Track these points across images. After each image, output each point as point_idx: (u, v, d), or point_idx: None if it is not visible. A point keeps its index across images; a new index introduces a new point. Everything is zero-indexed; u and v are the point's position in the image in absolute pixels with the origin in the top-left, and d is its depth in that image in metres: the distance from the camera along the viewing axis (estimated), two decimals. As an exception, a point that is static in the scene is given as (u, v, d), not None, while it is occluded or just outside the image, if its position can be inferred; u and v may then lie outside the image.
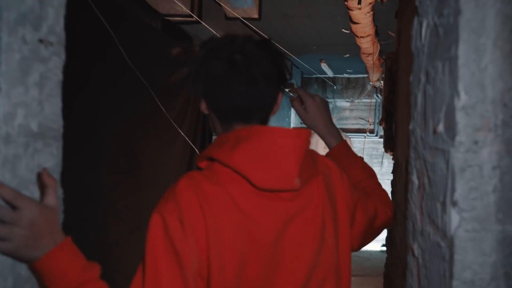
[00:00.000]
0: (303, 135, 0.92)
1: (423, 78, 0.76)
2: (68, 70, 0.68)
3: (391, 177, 8.18)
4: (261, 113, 0.96)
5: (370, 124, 7.92)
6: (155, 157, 2.92)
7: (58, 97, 0.66)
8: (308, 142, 0.92)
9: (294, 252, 0.89)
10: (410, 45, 0.80)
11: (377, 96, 8.35)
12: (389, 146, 2.88)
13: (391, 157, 8.32)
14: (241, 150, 0.86)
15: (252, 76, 0.90)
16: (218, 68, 0.90)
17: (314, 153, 1.01)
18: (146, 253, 0.85)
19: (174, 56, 3.05)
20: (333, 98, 9.14)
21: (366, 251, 7.67)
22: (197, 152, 3.43)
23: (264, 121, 0.97)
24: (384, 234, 7.02)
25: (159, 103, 2.55)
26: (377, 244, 8.13)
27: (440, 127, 0.63)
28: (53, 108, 0.64)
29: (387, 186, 6.73)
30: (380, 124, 3.21)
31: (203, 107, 0.96)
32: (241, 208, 0.84)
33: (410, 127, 0.77)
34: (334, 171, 1.05)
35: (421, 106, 0.75)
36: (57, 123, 0.66)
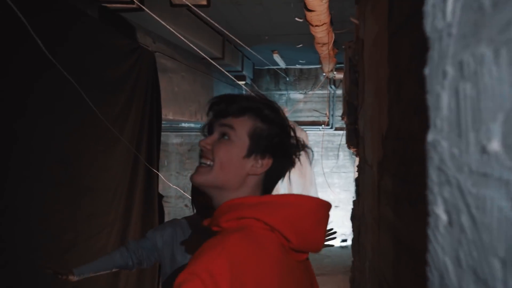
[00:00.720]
0: (327, 206, 1.06)
1: (451, 71, 0.53)
2: None
3: (347, 170, 8.27)
4: None
5: (328, 117, 7.87)
6: (94, 163, 2.63)
7: None
8: None
9: None
10: (416, 27, 0.60)
11: (331, 87, 8.30)
12: (352, 142, 2.74)
13: (349, 150, 8.28)
14: (282, 212, 0.97)
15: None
16: (291, 147, 1.07)
17: None
18: None
19: (118, 48, 2.77)
20: (286, 90, 9.02)
21: (325, 248, 7.64)
22: (142, 159, 3.15)
23: None
24: (341, 228, 7.00)
25: (90, 103, 2.27)
26: (335, 240, 8.13)
27: (495, 145, 0.42)
28: None
29: (343, 179, 6.75)
30: (342, 119, 3.07)
31: (260, 166, 1.03)
32: (283, 269, 0.95)
33: (429, 138, 0.56)
34: None
35: (450, 111, 0.53)
36: None
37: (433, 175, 0.55)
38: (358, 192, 2.71)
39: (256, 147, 1.03)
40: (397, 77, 1.23)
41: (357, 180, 2.76)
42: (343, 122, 8.70)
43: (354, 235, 2.86)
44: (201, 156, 1.04)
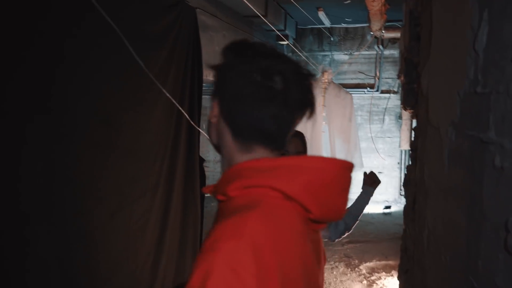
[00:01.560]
0: (351, 168, 0.92)
1: None
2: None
3: (392, 135, 8.00)
4: (283, 138, 0.93)
5: (378, 79, 7.58)
6: (135, 124, 2.57)
7: None
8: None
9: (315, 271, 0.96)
10: None
11: (378, 47, 7.96)
12: (409, 103, 2.56)
13: (394, 114, 8.03)
14: (302, 180, 0.84)
15: (288, 102, 0.88)
16: (253, 85, 0.87)
17: None
18: None
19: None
20: (330, 50, 8.73)
21: (368, 214, 7.53)
22: (187, 116, 3.09)
23: (283, 145, 0.94)
24: (385, 194, 6.84)
25: (136, 57, 2.19)
26: (378, 207, 7.99)
27: None
28: None
29: (387, 145, 6.50)
30: (399, 77, 2.88)
31: (214, 114, 0.91)
32: (301, 241, 0.87)
33: None
34: None
35: None
36: None
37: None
38: (414, 157, 2.56)
39: (212, 94, 0.93)
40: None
41: (414, 144, 2.60)
42: (389, 84, 8.38)
43: (407, 202, 2.72)
44: None
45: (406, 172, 2.96)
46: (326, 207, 0.88)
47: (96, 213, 2.27)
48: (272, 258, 0.77)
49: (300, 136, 2.04)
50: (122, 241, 2.54)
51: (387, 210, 7.73)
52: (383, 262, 5.08)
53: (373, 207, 7.96)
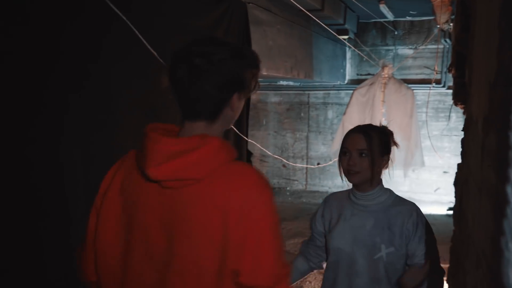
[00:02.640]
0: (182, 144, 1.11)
1: None
2: None
3: (459, 133, 7.66)
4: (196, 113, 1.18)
5: (436, 73, 7.26)
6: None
7: None
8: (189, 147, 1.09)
9: None
10: None
11: (445, 41, 7.60)
12: (459, 97, 2.45)
13: (462, 111, 7.75)
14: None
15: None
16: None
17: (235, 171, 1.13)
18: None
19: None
20: (394, 45, 8.47)
21: (430, 215, 7.24)
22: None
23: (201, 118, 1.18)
24: (450, 196, 6.56)
25: (152, 50, 2.25)
26: (442, 208, 7.65)
27: None
28: None
29: (454, 143, 6.23)
30: (449, 71, 2.76)
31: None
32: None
33: None
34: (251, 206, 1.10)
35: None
36: None
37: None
38: (463, 154, 2.44)
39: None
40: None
41: (462, 141, 2.48)
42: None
43: (456, 202, 2.60)
44: None
45: (456, 171, 2.83)
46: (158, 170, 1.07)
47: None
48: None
49: (362, 130, 1.83)
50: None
51: (451, 212, 7.39)
52: (442, 265, 4.87)
53: (437, 208, 7.64)
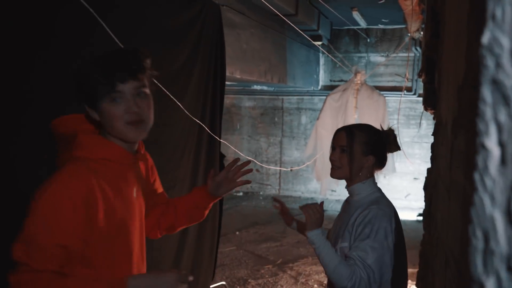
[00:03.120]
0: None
1: None
2: None
3: (430, 140, 7.76)
4: None
5: (407, 80, 7.40)
6: (161, 116, 2.61)
7: None
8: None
9: None
10: None
11: (416, 49, 7.76)
12: (429, 102, 2.49)
13: (432, 116, 7.92)
14: None
15: None
16: None
17: None
18: None
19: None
20: (367, 52, 8.59)
21: (401, 221, 7.32)
22: (211, 108, 3.11)
23: None
24: (420, 202, 6.66)
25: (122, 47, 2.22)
26: (412, 213, 7.78)
27: None
28: None
29: (424, 150, 6.36)
30: (420, 76, 2.81)
31: None
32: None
33: (484, 39, 0.40)
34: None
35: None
36: None
37: (485, 92, 0.39)
38: (432, 158, 2.48)
39: None
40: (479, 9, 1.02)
41: (432, 146, 2.53)
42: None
43: (425, 206, 2.65)
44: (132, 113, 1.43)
45: (426, 176, 2.88)
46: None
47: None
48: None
49: (346, 128, 1.87)
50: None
51: (421, 218, 7.51)
52: (411, 270, 4.93)
53: (407, 214, 7.76)
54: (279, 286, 4.37)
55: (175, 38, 2.79)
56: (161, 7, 2.60)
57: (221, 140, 3.33)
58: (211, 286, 3.51)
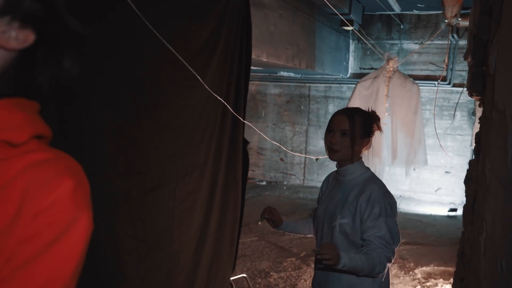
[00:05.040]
0: None
1: None
2: None
3: (463, 132, 7.50)
4: None
5: (445, 68, 7.08)
6: (176, 98, 2.48)
7: None
8: None
9: None
10: None
11: (453, 37, 7.42)
12: (476, 88, 2.27)
13: (467, 110, 7.53)
14: None
15: None
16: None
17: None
18: None
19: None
20: (399, 39, 8.28)
21: (431, 216, 7.09)
22: (235, 90, 2.96)
23: None
24: (451, 196, 6.40)
25: (153, 29, 2.07)
26: (443, 208, 7.49)
27: None
28: None
29: (457, 143, 6.08)
30: (465, 59, 2.58)
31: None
32: None
33: None
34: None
35: None
36: None
37: None
38: (477, 149, 2.27)
39: (14, 8, 0.68)
40: None
41: (478, 135, 2.31)
42: (463, 77, 7.82)
43: (467, 202, 2.44)
44: None
45: (467, 169, 2.66)
46: None
47: (135, 188, 2.20)
48: None
49: (347, 112, 2.01)
50: (165, 220, 2.47)
51: (452, 213, 7.24)
52: (442, 268, 4.72)
53: (437, 209, 7.49)
54: (302, 280, 4.22)
55: (198, 13, 2.63)
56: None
57: (245, 122, 3.16)
58: (231, 278, 3.38)
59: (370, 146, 2.04)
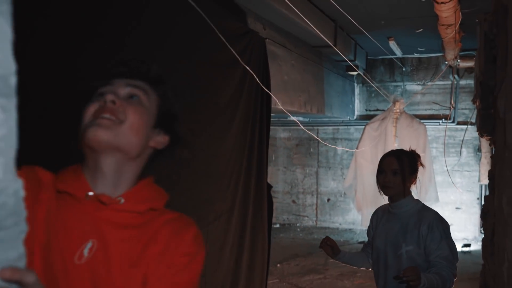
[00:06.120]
0: None
1: None
2: None
3: (470, 168, 7.63)
4: None
5: (452, 108, 7.30)
6: (208, 147, 2.66)
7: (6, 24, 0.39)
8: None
9: None
10: None
11: (454, 77, 7.69)
12: (485, 129, 2.45)
13: (472, 147, 7.66)
14: None
15: None
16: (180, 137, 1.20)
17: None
18: None
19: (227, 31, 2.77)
20: (402, 81, 8.57)
21: (445, 252, 7.10)
22: (258, 138, 3.15)
23: None
24: (463, 232, 6.47)
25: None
26: (457, 244, 7.50)
27: None
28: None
29: (465, 179, 6.23)
30: (474, 103, 2.77)
31: (164, 142, 1.10)
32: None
33: None
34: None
35: None
36: (2, 66, 0.39)
37: None
38: (492, 186, 2.42)
39: (163, 121, 1.05)
40: None
41: (491, 172, 2.47)
42: (466, 115, 8.04)
43: (485, 235, 2.57)
44: (103, 110, 0.94)
45: (483, 204, 2.80)
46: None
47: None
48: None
49: (394, 154, 2.34)
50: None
51: (466, 249, 7.27)
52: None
53: (451, 245, 7.51)
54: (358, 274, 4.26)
55: (225, 70, 2.86)
56: (211, 40, 2.68)
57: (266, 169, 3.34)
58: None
59: (417, 181, 2.35)
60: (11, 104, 0.40)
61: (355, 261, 2.46)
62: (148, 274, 0.93)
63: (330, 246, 2.35)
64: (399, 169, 2.24)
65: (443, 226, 2.20)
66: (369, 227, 2.48)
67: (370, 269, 2.49)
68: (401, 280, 2.05)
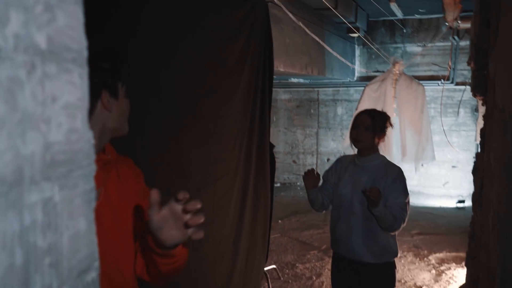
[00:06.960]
0: None
1: None
2: None
3: (467, 128, 7.75)
4: None
5: (449, 69, 7.33)
6: (216, 108, 2.78)
7: (78, 5, 0.49)
8: None
9: None
10: None
11: (454, 38, 7.68)
12: (479, 89, 2.54)
13: (469, 106, 7.75)
14: None
15: None
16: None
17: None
18: None
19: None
20: (403, 43, 8.56)
21: (440, 208, 7.33)
22: (261, 100, 3.25)
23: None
24: (458, 189, 6.69)
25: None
26: (451, 201, 7.74)
27: None
28: (69, 19, 0.47)
29: (462, 138, 6.39)
30: (468, 64, 2.86)
31: None
32: None
33: None
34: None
35: None
36: (78, 42, 0.49)
37: None
38: (483, 143, 2.54)
39: None
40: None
41: (483, 130, 2.58)
42: (465, 76, 8.07)
43: (475, 189, 2.71)
44: None
45: (475, 160, 2.93)
46: None
47: (184, 188, 2.50)
48: None
49: (368, 112, 2.55)
50: (207, 215, 2.77)
51: (461, 205, 7.48)
52: (454, 254, 4.98)
53: (446, 202, 7.73)
54: (326, 269, 4.50)
55: (230, 35, 2.93)
56: (218, 6, 2.74)
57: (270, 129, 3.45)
58: (264, 269, 3.66)
59: (385, 139, 2.56)
60: (84, 72, 0.52)
61: (317, 202, 2.60)
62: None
63: (312, 178, 2.55)
64: (371, 125, 2.46)
65: (404, 181, 2.46)
66: (329, 171, 2.67)
67: (323, 212, 2.72)
68: (365, 195, 2.34)
